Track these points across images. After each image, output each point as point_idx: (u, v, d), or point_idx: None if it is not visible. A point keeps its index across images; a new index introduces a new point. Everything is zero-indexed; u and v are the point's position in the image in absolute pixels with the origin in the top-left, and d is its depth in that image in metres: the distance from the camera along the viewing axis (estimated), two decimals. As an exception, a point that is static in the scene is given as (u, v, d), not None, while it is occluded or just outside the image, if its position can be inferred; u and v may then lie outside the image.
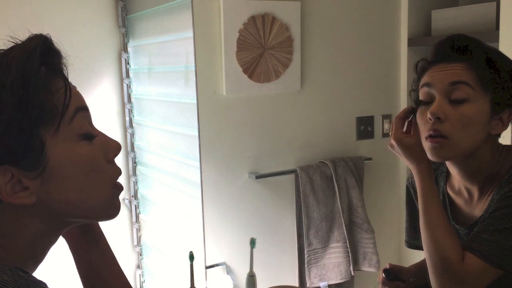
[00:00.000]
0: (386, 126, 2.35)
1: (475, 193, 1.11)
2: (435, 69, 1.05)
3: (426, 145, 1.05)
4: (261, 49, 1.99)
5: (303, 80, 2.11)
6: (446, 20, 2.13)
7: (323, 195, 2.12)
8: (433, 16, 2.22)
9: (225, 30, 1.90)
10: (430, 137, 1.03)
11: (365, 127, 2.29)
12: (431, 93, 1.05)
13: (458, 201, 1.17)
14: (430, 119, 1.02)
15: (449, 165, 1.13)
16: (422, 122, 1.06)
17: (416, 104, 1.08)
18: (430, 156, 1.06)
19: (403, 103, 2.35)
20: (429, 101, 1.05)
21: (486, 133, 1.04)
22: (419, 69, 1.12)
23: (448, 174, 1.19)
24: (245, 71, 1.96)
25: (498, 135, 1.09)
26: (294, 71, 2.07)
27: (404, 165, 2.38)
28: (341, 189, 2.14)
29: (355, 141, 2.28)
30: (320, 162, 2.16)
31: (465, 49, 1.04)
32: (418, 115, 1.07)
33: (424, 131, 1.05)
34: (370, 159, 2.27)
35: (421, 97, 1.07)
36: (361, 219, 2.18)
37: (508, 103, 1.04)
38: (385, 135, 2.35)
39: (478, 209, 1.12)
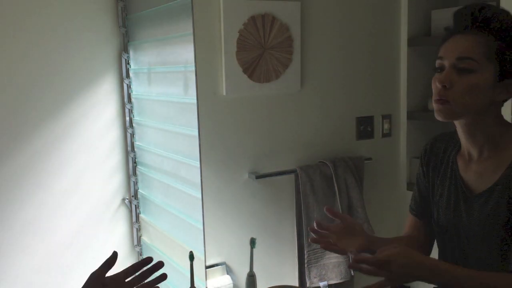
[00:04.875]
0: (386, 126, 2.35)
1: (475, 154, 1.22)
2: (449, 42, 1.17)
3: (434, 106, 1.18)
4: (261, 49, 1.99)
5: (303, 80, 2.11)
6: (446, 20, 2.13)
7: (323, 195, 2.12)
8: (433, 16, 2.22)
9: (225, 30, 1.90)
10: (436, 100, 1.17)
11: (365, 127, 2.29)
12: (443, 64, 1.17)
13: (464, 166, 1.25)
14: (438, 86, 1.15)
15: (457, 128, 1.24)
16: (434, 87, 1.18)
17: (434, 71, 1.20)
18: (436, 115, 1.19)
19: (403, 103, 2.35)
20: (442, 70, 1.17)
21: (490, 100, 1.14)
22: (441, 39, 1.21)
23: (460, 146, 1.28)
24: (245, 71, 1.96)
25: (502, 103, 1.19)
26: (294, 71, 2.07)
27: (404, 165, 2.38)
28: (341, 189, 2.14)
29: (355, 141, 2.28)
30: (320, 162, 2.16)
31: (482, 21, 1.13)
32: (433, 82, 1.19)
33: (434, 94, 1.18)
34: (370, 159, 2.27)
35: (436, 65, 1.19)
36: (361, 219, 2.18)
37: None
38: (385, 135, 2.35)
39: (480, 170, 1.20)
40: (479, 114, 1.16)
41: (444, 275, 1.08)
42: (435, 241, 1.36)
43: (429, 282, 1.11)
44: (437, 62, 1.18)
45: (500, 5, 1.79)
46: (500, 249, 1.15)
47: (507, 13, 1.14)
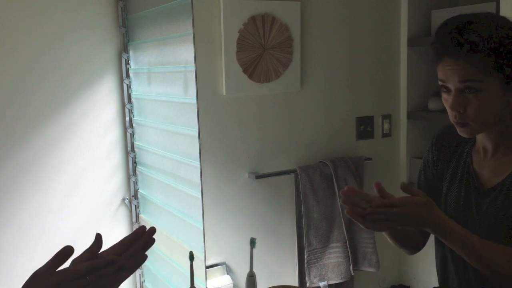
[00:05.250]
0: (386, 126, 2.35)
1: (490, 149, 1.22)
2: (445, 65, 1.14)
3: (455, 125, 1.19)
4: (261, 49, 1.99)
5: (303, 80, 2.11)
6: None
7: (323, 195, 2.12)
8: (433, 16, 2.22)
9: (225, 30, 1.90)
10: (456, 123, 1.17)
11: (365, 127, 2.29)
12: (447, 86, 1.15)
13: (478, 161, 1.26)
14: (453, 112, 1.15)
15: None
16: (447, 110, 1.19)
17: (439, 89, 1.20)
18: (460, 133, 1.19)
19: (403, 103, 2.35)
20: (448, 90, 1.16)
21: (505, 105, 1.14)
22: (431, 56, 1.19)
23: (474, 140, 1.28)
24: (245, 71, 1.96)
25: None
26: (294, 71, 2.07)
27: (404, 165, 2.38)
28: (341, 189, 2.14)
29: (355, 141, 2.28)
30: (320, 162, 2.16)
31: (468, 44, 1.09)
32: (444, 102, 1.19)
33: (450, 116, 1.18)
34: (370, 159, 2.27)
35: (440, 85, 1.18)
36: (361, 219, 2.18)
37: None
38: (385, 135, 2.35)
39: (495, 165, 1.21)
40: (497, 121, 1.17)
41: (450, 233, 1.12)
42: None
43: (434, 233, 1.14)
44: (440, 82, 1.17)
45: (500, 5, 1.78)
46: (509, 245, 1.15)
47: (488, 23, 1.11)
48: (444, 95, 1.18)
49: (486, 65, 1.09)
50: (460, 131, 1.19)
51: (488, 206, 1.19)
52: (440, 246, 1.34)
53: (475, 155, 1.27)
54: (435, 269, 1.40)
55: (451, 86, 1.14)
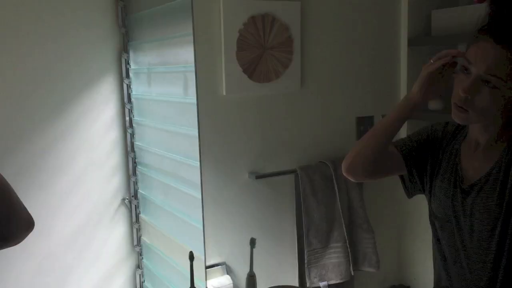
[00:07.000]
0: (386, 126, 2.35)
1: (483, 143, 1.23)
2: (479, 47, 1.15)
3: (453, 109, 1.20)
4: (261, 49, 1.99)
5: (303, 80, 2.11)
6: (446, 20, 2.13)
7: (323, 195, 2.12)
8: (433, 16, 2.22)
9: (225, 30, 1.90)
10: (456, 106, 1.18)
11: (365, 127, 2.29)
12: (470, 68, 1.16)
13: (466, 158, 1.27)
14: (462, 94, 1.16)
15: (473, 125, 1.25)
16: (455, 91, 1.20)
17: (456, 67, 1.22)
18: (453, 117, 1.21)
19: (403, 103, 2.35)
20: (468, 73, 1.17)
21: (509, 108, 1.16)
22: (475, 31, 1.18)
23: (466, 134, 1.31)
24: (245, 71, 1.96)
25: None
26: (294, 71, 2.07)
27: (404, 165, 2.38)
28: (341, 189, 2.14)
29: (355, 141, 2.28)
30: (320, 162, 2.16)
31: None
32: (456, 82, 1.20)
33: (455, 94, 1.19)
34: (370, 159, 2.27)
35: (463, 65, 1.19)
36: (361, 219, 2.18)
37: None
38: (385, 135, 2.35)
39: (480, 159, 1.22)
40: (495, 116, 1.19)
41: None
42: (435, 232, 1.36)
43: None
44: (466, 62, 1.17)
45: None
46: (497, 238, 1.16)
47: None
48: (461, 75, 1.18)
49: None
50: (456, 115, 1.20)
51: (473, 199, 1.21)
52: (438, 246, 1.35)
53: (464, 150, 1.28)
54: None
55: (474, 70, 1.15)
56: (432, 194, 1.33)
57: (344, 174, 1.43)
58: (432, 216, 1.34)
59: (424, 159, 1.35)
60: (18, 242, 1.06)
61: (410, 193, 1.45)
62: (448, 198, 1.26)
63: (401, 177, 1.45)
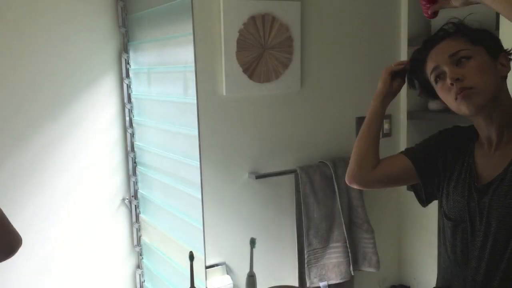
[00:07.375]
0: (386, 126, 2.35)
1: (495, 138, 1.22)
2: (431, 55, 1.26)
3: (459, 103, 1.17)
4: (261, 49, 1.99)
5: (303, 80, 2.11)
6: (446, 20, 2.13)
7: (323, 195, 2.12)
8: (433, 16, 2.22)
9: (225, 30, 1.90)
10: (460, 95, 1.17)
11: (365, 127, 2.29)
12: (441, 71, 1.22)
13: (481, 158, 1.26)
14: (452, 84, 1.17)
15: (475, 119, 1.24)
16: (447, 94, 1.20)
17: (435, 83, 1.26)
18: (465, 109, 1.17)
19: (403, 103, 2.35)
20: (444, 75, 1.21)
21: (499, 77, 1.20)
22: (416, 62, 1.33)
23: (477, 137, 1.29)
24: (245, 71, 1.96)
25: (505, 77, 1.23)
26: (294, 71, 2.07)
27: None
28: (341, 189, 2.14)
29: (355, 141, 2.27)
30: (320, 162, 2.16)
31: (454, 26, 1.29)
32: (442, 92, 1.23)
33: (452, 96, 1.18)
34: (370, 159, 2.27)
35: (436, 75, 1.24)
36: (361, 219, 2.18)
37: (499, 49, 1.24)
38: (385, 135, 2.35)
39: (497, 158, 1.21)
40: (499, 92, 1.19)
41: None
42: (444, 233, 1.35)
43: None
44: (434, 74, 1.24)
45: (500, 26, 1.80)
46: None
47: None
48: (441, 84, 1.22)
49: (469, 39, 1.22)
50: (464, 101, 1.17)
51: (490, 199, 1.19)
52: (446, 248, 1.34)
53: (478, 151, 1.27)
54: (436, 269, 1.40)
55: (444, 66, 1.20)
56: (446, 196, 1.32)
57: (349, 184, 1.49)
58: (445, 217, 1.33)
59: (434, 163, 1.35)
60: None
61: (423, 201, 1.44)
62: (463, 198, 1.25)
63: (413, 187, 1.44)
